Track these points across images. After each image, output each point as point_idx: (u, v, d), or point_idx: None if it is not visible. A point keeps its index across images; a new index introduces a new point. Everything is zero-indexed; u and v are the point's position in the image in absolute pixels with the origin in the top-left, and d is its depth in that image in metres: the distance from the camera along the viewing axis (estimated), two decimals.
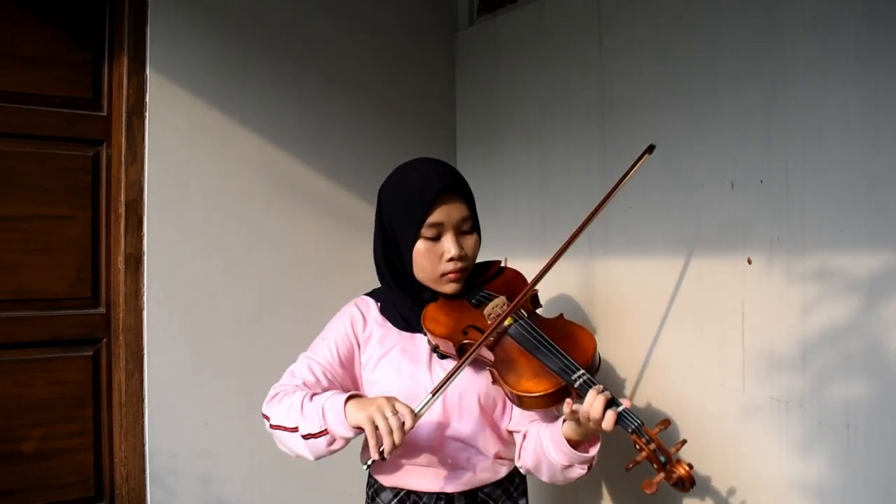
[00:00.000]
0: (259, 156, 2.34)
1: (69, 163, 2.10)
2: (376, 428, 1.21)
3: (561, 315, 1.54)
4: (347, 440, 1.30)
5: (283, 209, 2.38)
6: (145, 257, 2.15)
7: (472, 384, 1.46)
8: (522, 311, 1.45)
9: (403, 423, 1.21)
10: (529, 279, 1.52)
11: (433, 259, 1.42)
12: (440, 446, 1.45)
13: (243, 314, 2.30)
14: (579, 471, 1.39)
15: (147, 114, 2.15)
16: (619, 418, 1.22)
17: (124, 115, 2.13)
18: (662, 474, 1.18)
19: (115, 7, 2.14)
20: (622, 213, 2.04)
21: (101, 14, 2.14)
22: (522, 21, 2.41)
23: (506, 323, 1.40)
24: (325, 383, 1.45)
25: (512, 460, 1.53)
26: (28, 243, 2.04)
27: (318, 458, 1.36)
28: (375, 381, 1.48)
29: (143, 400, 2.15)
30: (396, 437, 1.20)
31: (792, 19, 1.63)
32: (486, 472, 1.50)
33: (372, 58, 2.55)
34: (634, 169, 1.48)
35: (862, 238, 1.50)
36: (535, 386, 1.30)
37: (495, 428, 1.50)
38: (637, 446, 1.21)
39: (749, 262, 1.72)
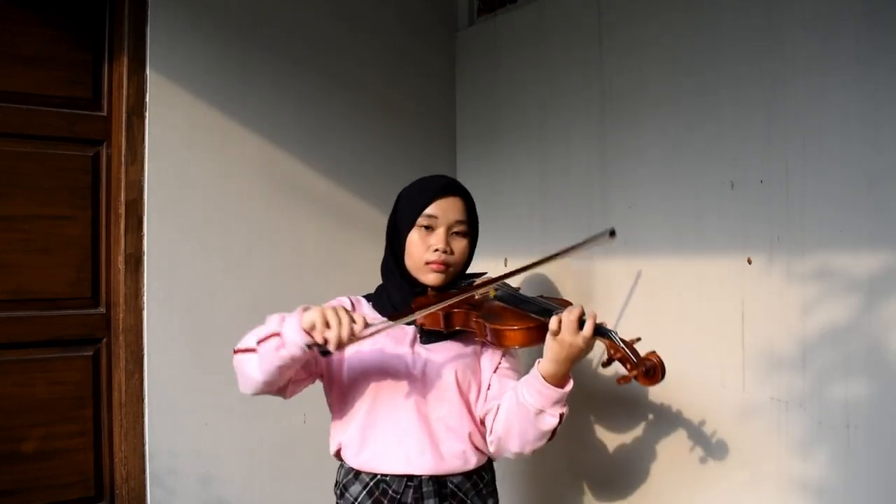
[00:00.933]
0: (259, 156, 2.34)
1: (69, 163, 2.10)
2: (328, 322, 1.27)
3: (540, 294, 1.66)
4: (297, 348, 1.30)
5: (283, 209, 2.38)
6: (145, 257, 2.15)
7: (450, 363, 1.54)
8: (507, 285, 1.60)
9: (354, 325, 1.27)
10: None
11: (421, 248, 1.55)
12: (415, 422, 1.51)
13: (243, 314, 2.29)
14: (550, 419, 1.44)
15: (147, 114, 2.15)
16: (598, 327, 1.37)
17: (124, 115, 2.13)
18: (636, 370, 1.34)
19: (115, 7, 2.14)
20: (622, 213, 2.04)
21: (101, 14, 2.14)
22: (522, 21, 2.41)
23: (492, 294, 1.57)
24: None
25: (483, 452, 1.58)
26: (28, 243, 2.04)
27: (266, 378, 1.37)
28: (360, 358, 1.54)
29: (143, 400, 2.15)
30: (345, 330, 1.25)
31: (792, 19, 1.63)
32: (456, 459, 1.53)
33: (372, 58, 2.55)
34: (586, 244, 1.61)
35: (862, 238, 1.50)
36: (517, 322, 1.46)
37: (470, 410, 1.56)
38: (610, 350, 1.39)
39: (749, 262, 1.72)
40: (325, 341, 1.27)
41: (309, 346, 1.29)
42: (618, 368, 1.43)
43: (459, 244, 1.58)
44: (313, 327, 1.28)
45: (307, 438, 2.33)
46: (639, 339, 1.40)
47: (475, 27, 2.66)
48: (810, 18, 1.59)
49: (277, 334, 1.33)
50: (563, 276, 2.23)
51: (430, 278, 1.56)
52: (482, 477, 1.58)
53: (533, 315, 1.48)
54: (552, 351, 1.41)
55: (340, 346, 1.27)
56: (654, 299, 1.95)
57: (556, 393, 1.42)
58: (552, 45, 2.28)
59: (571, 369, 1.43)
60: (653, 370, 1.33)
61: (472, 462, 1.55)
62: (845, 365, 1.53)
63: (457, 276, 1.61)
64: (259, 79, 2.33)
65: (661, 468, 1.92)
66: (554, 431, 1.46)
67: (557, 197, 2.25)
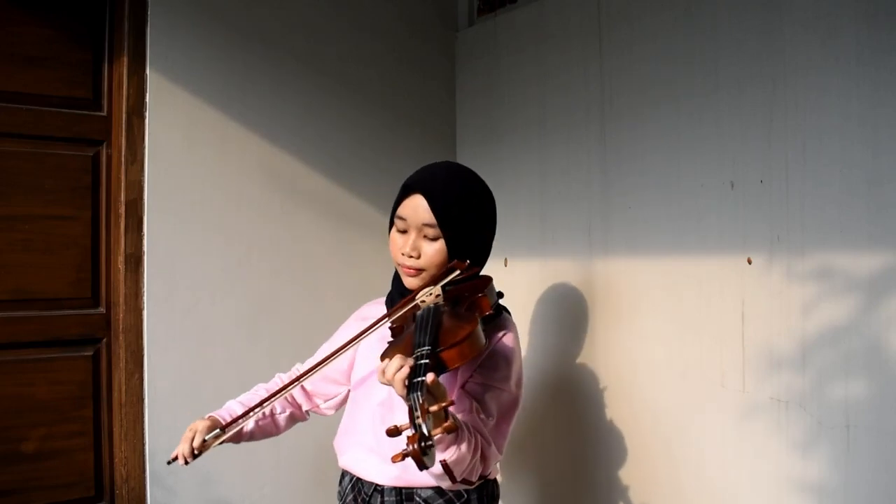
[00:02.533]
0: (259, 156, 2.33)
1: (69, 163, 2.10)
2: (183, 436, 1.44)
3: (476, 315, 1.37)
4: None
5: (283, 209, 2.38)
6: (145, 257, 2.15)
7: None
8: (455, 301, 1.38)
9: (193, 440, 1.42)
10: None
11: (395, 249, 1.47)
12: (380, 434, 1.39)
13: (243, 314, 2.30)
14: (437, 466, 1.20)
15: (147, 114, 2.15)
16: (408, 386, 1.14)
17: (124, 115, 2.13)
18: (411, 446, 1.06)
19: (115, 7, 2.14)
20: (622, 213, 2.04)
21: (101, 14, 2.14)
22: (522, 21, 2.41)
23: (424, 304, 1.38)
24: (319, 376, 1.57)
25: None
26: (28, 243, 2.04)
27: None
28: (357, 364, 1.57)
29: (143, 400, 2.15)
30: (184, 446, 1.42)
31: (792, 19, 1.63)
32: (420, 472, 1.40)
33: (372, 58, 2.55)
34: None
35: (862, 238, 1.50)
36: (386, 354, 1.26)
37: None
38: (409, 416, 1.11)
39: (749, 262, 1.72)
40: (174, 457, 1.44)
41: (168, 461, 1.46)
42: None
43: (430, 248, 1.42)
44: None
45: (307, 438, 2.33)
46: (452, 403, 1.13)
47: (475, 27, 2.66)
48: (810, 18, 1.59)
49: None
50: (563, 276, 2.23)
51: (406, 282, 1.47)
52: (460, 495, 1.44)
53: (410, 346, 1.25)
54: None
55: (184, 461, 1.42)
56: (654, 299, 1.96)
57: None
58: (552, 45, 2.28)
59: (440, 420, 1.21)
60: (409, 456, 1.06)
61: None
62: (845, 365, 1.53)
63: (438, 279, 1.43)
64: (259, 79, 2.33)
65: (661, 468, 1.92)
66: (450, 476, 1.21)
67: (557, 197, 2.25)
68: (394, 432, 1.10)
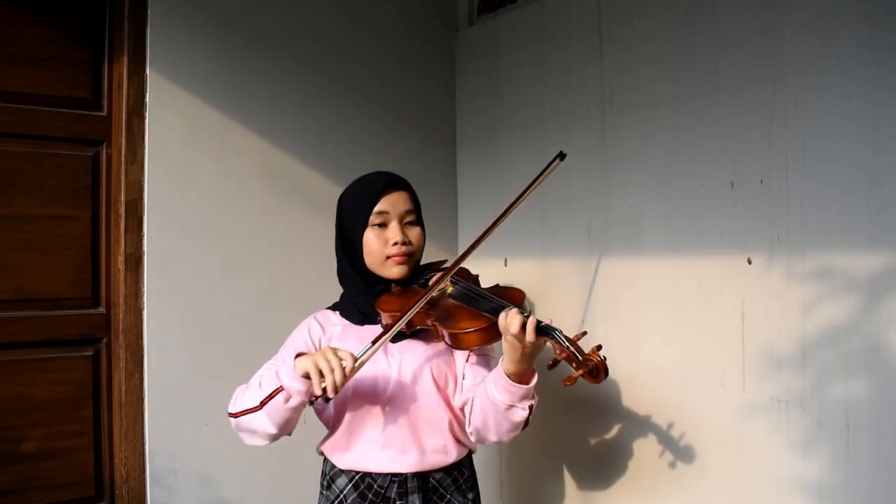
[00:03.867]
0: (259, 156, 2.34)
1: (69, 163, 2.10)
2: (321, 371, 1.34)
3: (497, 284, 1.67)
4: (302, 395, 1.40)
5: (283, 209, 2.38)
6: (145, 257, 2.15)
7: (425, 360, 1.56)
8: (462, 281, 1.58)
9: (344, 365, 1.34)
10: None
11: (380, 244, 1.58)
12: (397, 423, 1.54)
13: (243, 314, 2.30)
14: (521, 412, 1.44)
15: (147, 114, 2.15)
16: (540, 328, 1.34)
17: (124, 115, 2.13)
18: (581, 369, 1.30)
19: (115, 7, 2.14)
20: (622, 213, 2.04)
21: (101, 14, 2.14)
22: (522, 21, 2.41)
23: (448, 290, 1.55)
24: None
25: (464, 444, 1.60)
26: (28, 243, 2.04)
27: (279, 429, 1.48)
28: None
29: (143, 400, 2.14)
30: (337, 374, 1.33)
31: (792, 19, 1.63)
32: (438, 453, 1.56)
33: (372, 58, 2.55)
34: (543, 178, 1.62)
35: (862, 238, 1.50)
36: (469, 323, 1.45)
37: (449, 403, 1.58)
38: (556, 351, 1.35)
39: (749, 262, 1.72)
40: (324, 390, 1.35)
41: (311, 400, 1.41)
42: (566, 369, 1.37)
43: (414, 232, 1.61)
44: (308, 376, 1.36)
45: (307, 438, 2.32)
46: (584, 334, 1.38)
47: (475, 27, 2.66)
48: (810, 18, 1.59)
49: (281, 388, 1.41)
50: (563, 276, 2.23)
51: (395, 272, 1.58)
52: (462, 472, 1.62)
53: (485, 314, 1.45)
54: (507, 351, 1.40)
55: (336, 391, 1.35)
56: (654, 299, 1.96)
57: (521, 389, 1.42)
58: (552, 45, 2.28)
59: (532, 364, 1.42)
60: (595, 370, 1.30)
61: (453, 455, 1.58)
62: (845, 365, 1.53)
63: (417, 264, 1.65)
64: (259, 79, 2.33)
65: (660, 468, 1.92)
66: (527, 421, 1.47)
67: (557, 197, 2.25)
68: (554, 363, 1.34)
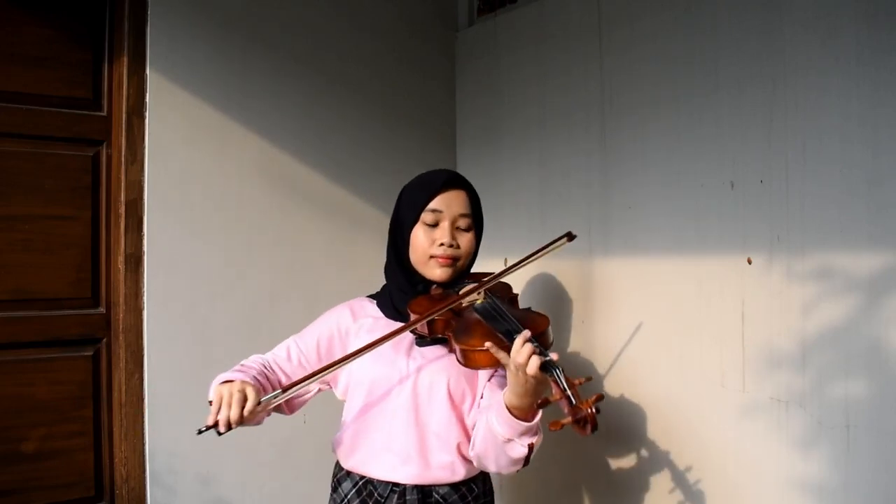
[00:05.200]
0: (259, 156, 2.34)
1: (69, 163, 2.10)
2: (221, 400, 1.32)
3: (530, 307, 1.59)
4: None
5: (283, 209, 2.38)
6: (145, 257, 2.15)
7: (442, 373, 1.50)
8: (495, 297, 1.51)
9: (245, 404, 1.31)
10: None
11: (426, 242, 1.53)
12: (404, 429, 1.49)
13: (243, 314, 2.30)
14: (520, 448, 1.36)
15: (147, 114, 2.15)
16: (543, 365, 1.26)
17: (124, 115, 2.13)
18: (570, 416, 1.21)
19: (115, 7, 2.14)
20: (622, 213, 2.04)
21: (101, 14, 2.14)
22: (522, 21, 2.41)
23: (477, 302, 1.49)
24: (294, 363, 1.58)
25: (472, 463, 1.52)
26: (28, 243, 2.04)
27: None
28: (360, 362, 1.52)
29: (143, 400, 2.14)
30: (233, 413, 1.30)
31: (792, 19, 1.63)
32: (443, 470, 1.49)
33: (372, 57, 2.55)
34: (547, 250, 1.59)
35: (862, 238, 1.50)
36: (480, 342, 1.36)
37: (461, 420, 1.51)
38: (553, 390, 1.26)
39: (749, 262, 1.72)
40: (215, 423, 1.31)
41: (198, 431, 1.33)
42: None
43: (465, 238, 1.55)
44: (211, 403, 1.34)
45: (307, 438, 2.33)
46: (589, 380, 1.29)
47: (475, 27, 2.66)
48: (810, 18, 1.59)
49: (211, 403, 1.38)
50: (564, 276, 2.23)
51: (437, 273, 1.53)
52: (471, 489, 1.53)
53: (499, 335, 1.36)
54: (510, 381, 1.33)
55: (228, 428, 1.31)
56: (654, 299, 1.96)
57: (521, 426, 1.33)
58: (552, 45, 2.28)
59: (536, 400, 1.32)
60: (583, 421, 1.20)
61: (461, 473, 1.50)
62: (845, 365, 1.53)
63: (464, 271, 1.59)
64: (259, 79, 2.33)
65: (660, 468, 1.92)
66: (527, 459, 1.38)
67: (557, 197, 2.25)
68: (545, 403, 1.24)
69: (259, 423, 1.46)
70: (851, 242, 1.52)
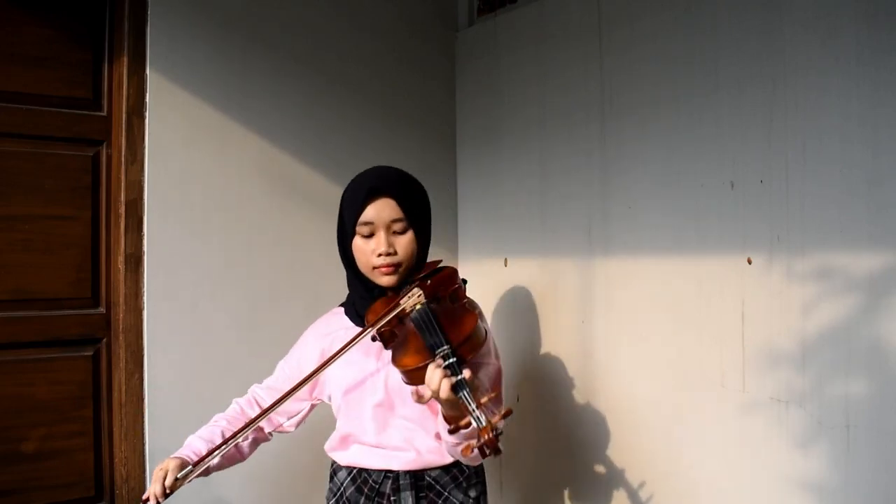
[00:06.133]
0: (259, 156, 2.34)
1: (69, 163, 2.10)
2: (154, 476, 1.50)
3: (465, 302, 1.55)
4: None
5: (283, 209, 2.38)
6: (145, 257, 2.15)
7: None
8: (435, 297, 1.48)
9: (166, 481, 1.48)
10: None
11: (367, 253, 1.54)
12: (385, 427, 1.56)
13: (243, 314, 2.30)
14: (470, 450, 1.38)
15: (147, 114, 2.15)
16: (454, 386, 1.27)
17: (124, 115, 2.13)
18: (476, 438, 1.22)
19: (115, 7, 2.14)
20: (622, 213, 2.04)
21: (101, 14, 2.14)
22: (522, 21, 2.41)
23: (417, 306, 1.45)
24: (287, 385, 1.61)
25: None
26: (28, 243, 2.04)
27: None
28: (330, 374, 1.59)
29: (143, 400, 2.14)
30: (157, 488, 1.47)
31: (792, 19, 1.63)
32: (433, 454, 1.55)
33: (372, 57, 2.55)
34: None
35: (862, 238, 1.50)
36: (411, 361, 1.38)
37: (437, 412, 1.51)
38: (463, 412, 1.26)
39: (749, 262, 1.72)
40: (147, 498, 1.48)
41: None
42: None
43: (402, 241, 1.54)
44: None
45: (307, 438, 2.33)
46: (496, 395, 1.30)
47: (475, 27, 2.66)
48: (810, 18, 1.59)
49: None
50: (563, 276, 2.23)
51: (384, 281, 1.54)
52: (462, 470, 1.60)
53: (426, 349, 1.36)
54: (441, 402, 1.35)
55: (156, 500, 1.47)
56: (654, 299, 1.96)
57: (462, 432, 1.32)
58: (552, 45, 2.28)
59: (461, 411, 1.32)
60: (483, 449, 1.20)
61: (449, 457, 1.56)
62: (845, 364, 1.53)
63: (411, 270, 1.56)
64: (259, 79, 2.33)
65: (660, 468, 1.92)
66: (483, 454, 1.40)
67: (557, 197, 2.25)
68: (454, 430, 1.27)
69: (243, 459, 1.69)
70: (851, 242, 1.52)
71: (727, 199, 1.76)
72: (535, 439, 2.31)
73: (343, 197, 1.62)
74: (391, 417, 1.55)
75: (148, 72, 2.14)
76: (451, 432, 1.29)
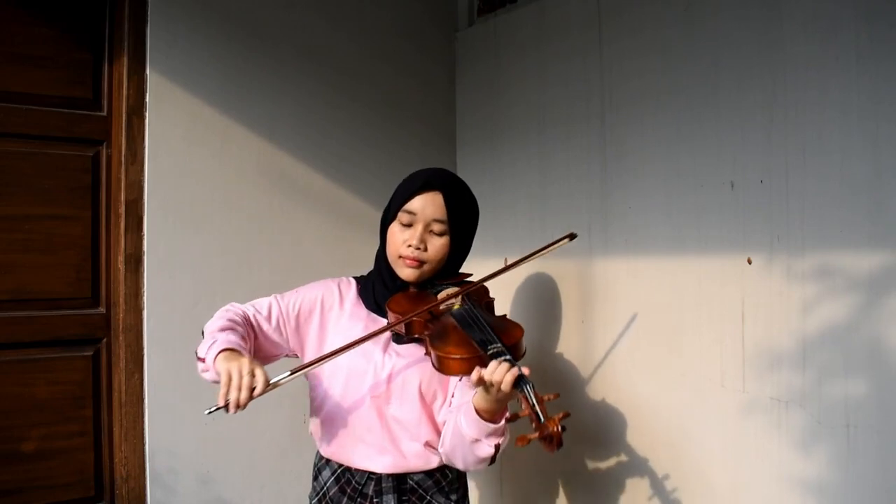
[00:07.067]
0: (259, 155, 2.34)
1: (69, 163, 2.10)
2: (230, 381, 1.31)
3: (505, 315, 1.61)
4: (212, 379, 1.40)
5: (283, 209, 2.38)
6: (145, 257, 2.15)
7: (415, 372, 1.55)
8: (472, 302, 1.54)
9: (254, 388, 1.31)
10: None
11: (398, 241, 1.55)
12: (376, 422, 1.55)
13: None
14: (487, 448, 1.41)
15: (147, 114, 2.15)
16: (516, 381, 1.29)
17: (124, 115, 2.13)
18: (537, 432, 1.24)
19: (115, 7, 2.14)
20: (622, 213, 2.04)
21: (101, 14, 2.14)
22: (522, 21, 2.41)
23: (454, 307, 1.51)
24: (272, 324, 1.58)
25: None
26: (28, 243, 2.04)
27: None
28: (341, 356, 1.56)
29: (143, 400, 2.15)
30: (243, 395, 1.30)
31: (792, 21, 1.63)
32: (418, 458, 1.55)
33: (372, 57, 2.55)
34: (548, 250, 1.64)
35: (862, 238, 1.50)
36: (455, 350, 1.40)
37: (431, 418, 1.57)
38: (522, 405, 1.29)
39: (749, 262, 1.72)
40: (226, 404, 1.31)
41: (208, 411, 1.34)
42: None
43: (436, 242, 1.55)
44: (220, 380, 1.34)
45: (307, 438, 2.32)
46: (557, 396, 1.32)
47: (475, 27, 2.66)
48: (810, 18, 1.59)
49: (203, 360, 1.43)
50: (564, 276, 2.23)
51: (405, 273, 1.56)
52: (445, 475, 1.60)
53: (475, 344, 1.39)
54: (481, 395, 1.37)
55: (236, 409, 1.32)
56: (654, 299, 1.96)
57: (488, 427, 1.39)
58: (552, 45, 2.28)
59: (504, 406, 1.39)
60: (549, 438, 1.22)
61: (435, 462, 1.57)
62: (845, 364, 1.53)
63: (436, 274, 1.59)
64: (259, 79, 2.33)
65: (660, 468, 1.92)
66: (493, 458, 1.44)
67: (557, 197, 2.25)
68: (513, 418, 1.28)
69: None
70: (851, 242, 1.52)
71: (727, 199, 1.76)
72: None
73: (402, 181, 1.62)
74: (383, 416, 1.55)
75: (148, 72, 2.15)
76: (508, 421, 1.33)
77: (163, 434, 2.16)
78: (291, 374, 1.37)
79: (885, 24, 1.47)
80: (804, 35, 1.61)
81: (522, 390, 1.28)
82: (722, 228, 1.78)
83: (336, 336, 1.59)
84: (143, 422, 2.14)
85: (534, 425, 1.25)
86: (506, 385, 1.28)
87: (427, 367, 1.52)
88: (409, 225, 1.55)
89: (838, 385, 1.54)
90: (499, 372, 1.29)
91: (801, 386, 1.61)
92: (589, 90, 2.14)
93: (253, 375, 1.32)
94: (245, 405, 1.31)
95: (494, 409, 1.37)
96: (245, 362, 1.34)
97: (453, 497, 1.61)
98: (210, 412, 1.33)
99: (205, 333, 1.51)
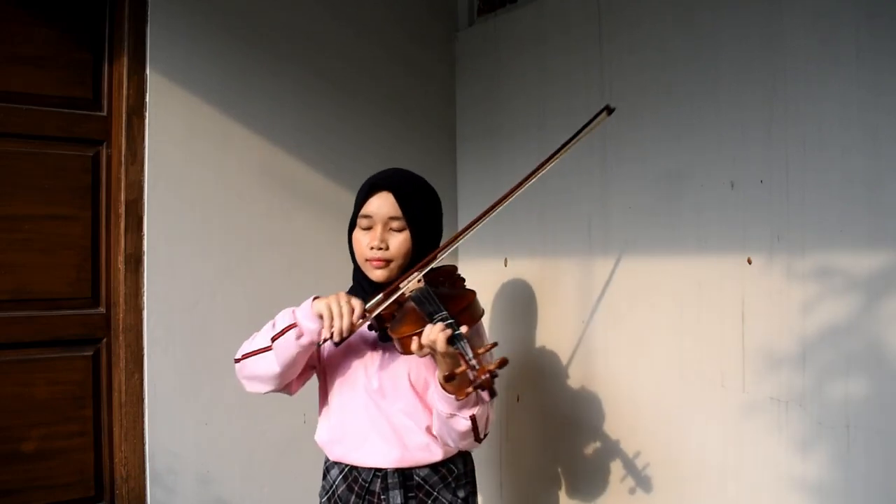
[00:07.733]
0: (259, 156, 2.34)
1: (69, 163, 2.10)
2: (331, 312, 1.40)
3: (464, 284, 1.64)
4: (313, 334, 1.45)
5: (282, 209, 2.38)
6: (145, 257, 2.15)
7: (402, 365, 1.58)
8: (434, 283, 1.57)
9: (354, 310, 1.40)
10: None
11: (362, 245, 1.59)
12: (376, 417, 1.57)
13: (243, 314, 2.29)
14: (463, 421, 1.46)
15: (147, 114, 2.15)
16: (450, 339, 1.34)
17: (124, 115, 2.13)
18: (472, 382, 1.27)
19: (115, 7, 2.14)
20: (622, 213, 2.04)
21: (101, 14, 2.14)
22: (522, 21, 2.41)
23: (411, 291, 1.52)
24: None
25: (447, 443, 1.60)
26: (28, 243, 2.04)
27: (284, 369, 1.50)
28: (332, 354, 1.63)
29: (143, 400, 2.15)
30: (346, 321, 1.39)
31: (792, 19, 1.63)
32: (421, 451, 1.57)
33: (372, 57, 2.55)
34: (588, 129, 1.65)
35: (862, 238, 1.50)
36: (407, 328, 1.43)
37: (428, 407, 1.58)
38: (460, 362, 1.32)
39: (749, 262, 1.72)
40: (332, 334, 1.39)
41: (320, 343, 1.43)
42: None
43: (396, 239, 1.57)
44: (321, 317, 1.41)
45: (307, 438, 2.32)
46: (495, 345, 1.34)
47: (475, 27, 2.66)
48: (810, 18, 1.59)
49: (294, 325, 1.46)
50: (563, 276, 2.23)
51: (375, 275, 1.58)
52: (451, 470, 1.61)
53: (424, 317, 1.42)
54: (438, 367, 1.43)
55: (343, 336, 1.40)
56: (654, 299, 1.96)
57: (455, 400, 1.43)
58: (552, 45, 2.28)
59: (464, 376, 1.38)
60: (481, 386, 1.24)
61: (438, 454, 1.58)
62: (845, 365, 1.53)
63: (405, 269, 1.59)
64: (259, 79, 2.33)
65: (660, 468, 1.92)
66: (475, 431, 1.48)
67: (557, 197, 2.25)
68: (451, 377, 1.31)
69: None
70: (851, 242, 1.52)
71: (727, 198, 1.76)
72: (535, 439, 2.31)
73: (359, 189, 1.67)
74: (382, 410, 1.57)
75: (148, 72, 2.15)
76: (446, 379, 1.37)
77: (163, 434, 2.16)
78: (385, 295, 1.45)
79: (885, 24, 1.47)
80: (804, 35, 1.61)
81: (457, 347, 1.32)
82: (722, 228, 1.78)
83: (339, 351, 1.61)
84: (143, 422, 2.14)
85: (471, 376, 1.28)
86: (440, 344, 1.33)
87: (413, 358, 1.55)
88: (368, 228, 1.58)
89: (838, 385, 1.54)
90: (432, 333, 1.34)
91: (801, 386, 1.61)
92: (588, 89, 2.14)
93: (350, 304, 1.40)
94: (348, 332, 1.39)
95: (452, 377, 1.36)
96: (341, 294, 1.43)
97: (460, 494, 1.62)
98: (321, 343, 1.45)
99: (245, 350, 1.56)
